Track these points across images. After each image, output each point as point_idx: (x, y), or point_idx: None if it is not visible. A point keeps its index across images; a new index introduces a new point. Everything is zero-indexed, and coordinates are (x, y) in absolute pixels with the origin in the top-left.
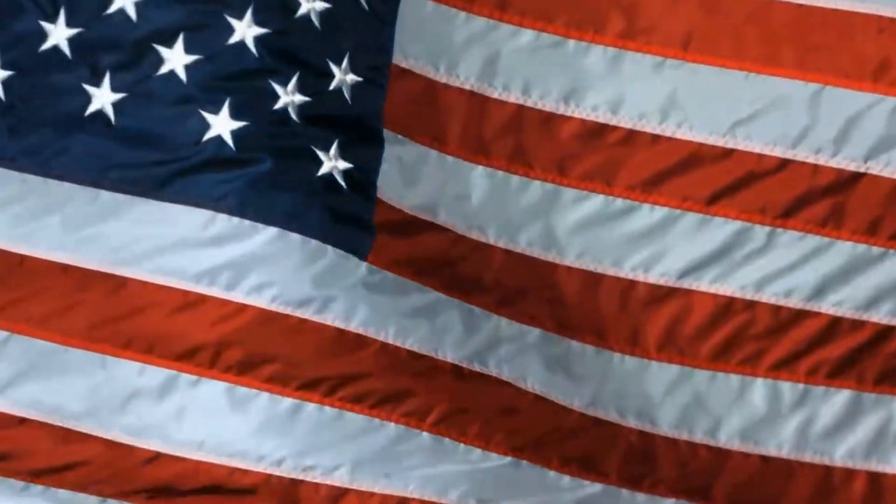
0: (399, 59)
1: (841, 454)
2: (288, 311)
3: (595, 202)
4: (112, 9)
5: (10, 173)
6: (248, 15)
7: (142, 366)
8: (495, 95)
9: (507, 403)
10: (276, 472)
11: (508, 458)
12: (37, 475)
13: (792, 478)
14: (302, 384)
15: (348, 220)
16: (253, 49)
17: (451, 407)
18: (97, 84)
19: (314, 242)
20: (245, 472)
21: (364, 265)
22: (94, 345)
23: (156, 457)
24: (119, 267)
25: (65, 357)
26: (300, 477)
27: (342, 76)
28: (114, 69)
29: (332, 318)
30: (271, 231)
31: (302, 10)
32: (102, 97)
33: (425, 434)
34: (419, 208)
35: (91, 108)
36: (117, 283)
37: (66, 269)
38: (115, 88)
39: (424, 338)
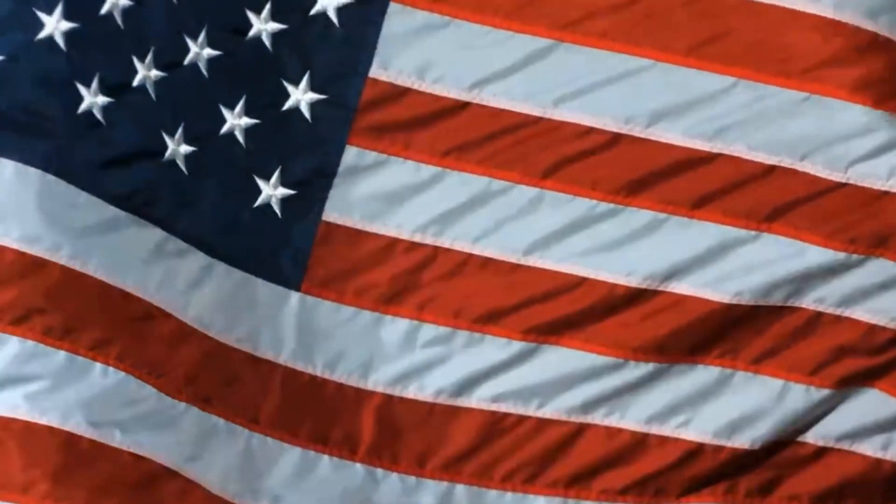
0: (378, 74)
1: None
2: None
3: (579, 206)
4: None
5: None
6: (202, 37)
7: None
8: (486, 102)
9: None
10: None
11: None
12: None
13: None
14: None
15: (281, 250)
16: (204, 71)
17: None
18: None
19: (238, 273)
20: None
21: (296, 295)
22: None
23: None
24: None
25: None
26: None
27: (300, 96)
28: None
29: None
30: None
31: (252, 33)
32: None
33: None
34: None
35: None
36: None
37: None
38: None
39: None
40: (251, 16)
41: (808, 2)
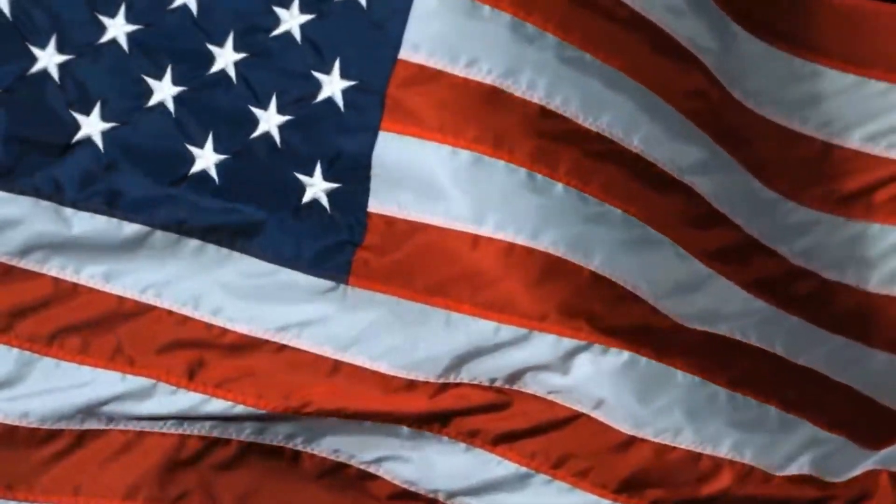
0: (408, 55)
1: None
2: (267, 336)
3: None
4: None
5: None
6: (230, 43)
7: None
8: (518, 94)
9: None
10: None
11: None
12: None
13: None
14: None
15: (331, 245)
16: (233, 77)
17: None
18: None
19: (294, 273)
20: None
21: (343, 288)
22: None
23: None
24: None
25: None
26: None
27: (332, 85)
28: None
29: (308, 345)
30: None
31: (282, 29)
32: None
33: None
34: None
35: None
36: None
37: None
38: (105, 119)
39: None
40: (280, 11)
41: None
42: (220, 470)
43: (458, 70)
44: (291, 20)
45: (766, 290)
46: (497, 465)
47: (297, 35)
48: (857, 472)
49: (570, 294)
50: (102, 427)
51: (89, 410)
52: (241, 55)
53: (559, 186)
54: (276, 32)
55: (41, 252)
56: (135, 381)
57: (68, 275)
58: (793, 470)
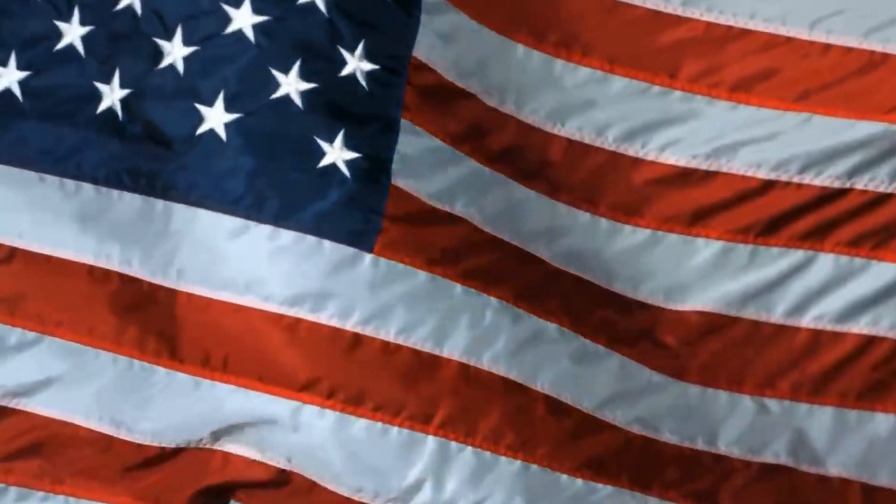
0: (420, 53)
1: (834, 467)
2: (282, 310)
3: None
4: (121, 5)
5: (27, 174)
6: (247, 4)
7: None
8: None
9: (517, 404)
10: None
11: (518, 463)
12: None
13: (790, 486)
14: (299, 387)
15: (353, 211)
16: (252, 38)
17: (456, 408)
18: (107, 81)
19: (309, 238)
20: None
21: (368, 257)
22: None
23: None
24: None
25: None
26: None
27: (357, 63)
28: (121, 66)
29: (327, 317)
30: (264, 229)
31: None
32: (112, 94)
33: (430, 437)
34: (436, 197)
35: (102, 107)
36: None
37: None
38: (122, 85)
39: (428, 334)
40: None
41: None
42: None
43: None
44: (244, 19)
45: None
46: None
47: (251, 34)
48: None
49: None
50: None
51: None
52: (263, 18)
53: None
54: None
55: None
56: None
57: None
58: None
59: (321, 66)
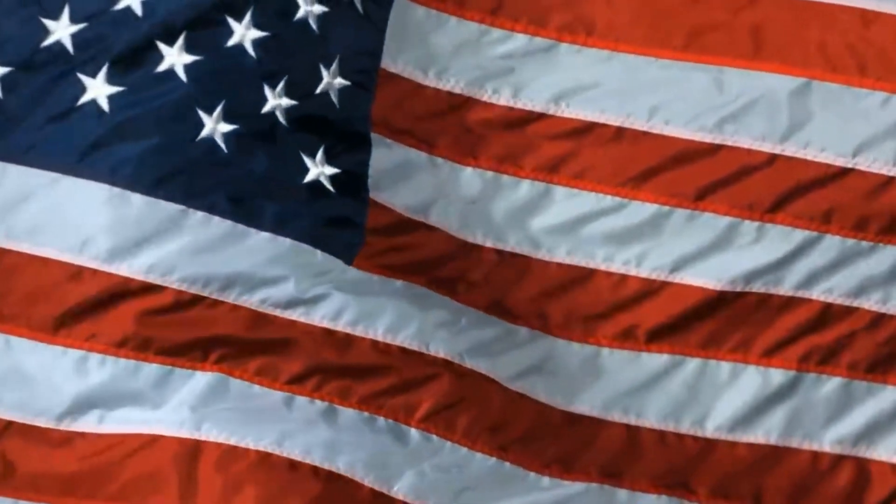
0: (387, 64)
1: (830, 440)
2: (276, 312)
3: (586, 200)
4: (119, 5)
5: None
6: (248, 17)
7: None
8: (485, 98)
9: (493, 401)
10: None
11: (493, 459)
12: None
13: (777, 464)
14: (290, 379)
15: (338, 224)
16: (251, 52)
17: (439, 403)
18: (93, 76)
19: (304, 246)
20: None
21: (351, 269)
22: None
23: None
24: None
25: None
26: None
27: (330, 79)
28: (113, 64)
29: (319, 318)
30: (263, 235)
31: (300, 14)
32: (98, 89)
33: (413, 430)
34: (411, 209)
35: (84, 99)
36: None
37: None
38: (111, 82)
39: (415, 334)
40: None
41: None
42: None
43: (429, 81)
44: (308, 7)
45: None
46: None
47: (250, 48)
48: None
49: None
50: None
51: None
52: (262, 34)
53: None
54: (296, 18)
55: None
56: None
57: None
58: None
59: (302, 83)
